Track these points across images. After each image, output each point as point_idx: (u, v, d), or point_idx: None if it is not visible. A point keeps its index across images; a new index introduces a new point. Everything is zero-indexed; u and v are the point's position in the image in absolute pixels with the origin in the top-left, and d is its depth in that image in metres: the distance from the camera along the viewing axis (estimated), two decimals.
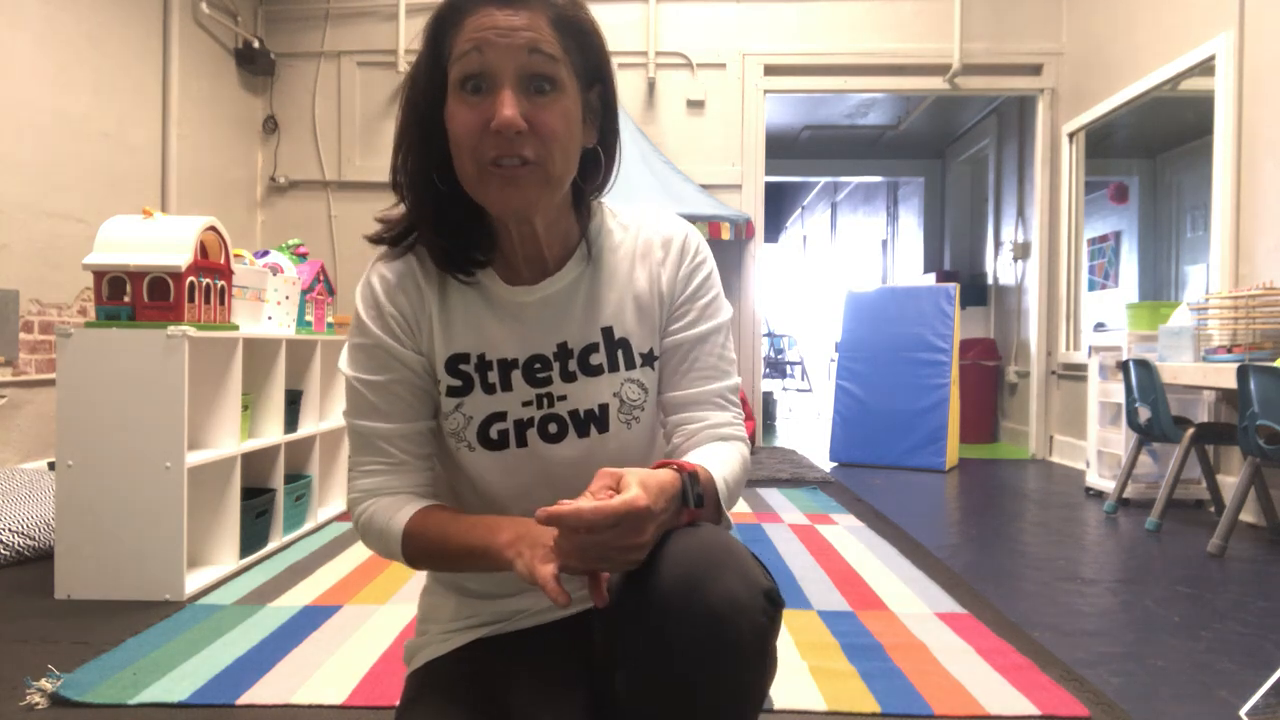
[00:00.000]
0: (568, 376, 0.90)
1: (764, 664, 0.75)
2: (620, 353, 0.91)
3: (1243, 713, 1.50)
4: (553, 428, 0.90)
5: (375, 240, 0.92)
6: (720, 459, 0.87)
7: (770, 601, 0.74)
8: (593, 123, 0.87)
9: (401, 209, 0.89)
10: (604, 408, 0.90)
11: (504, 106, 0.76)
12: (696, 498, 0.79)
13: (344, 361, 0.92)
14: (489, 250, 0.90)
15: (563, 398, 0.90)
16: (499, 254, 0.90)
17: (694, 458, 0.86)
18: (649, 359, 0.92)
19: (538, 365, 0.90)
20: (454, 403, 0.90)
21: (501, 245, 0.89)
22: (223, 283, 2.32)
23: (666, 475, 0.77)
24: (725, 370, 0.94)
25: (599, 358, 0.90)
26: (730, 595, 0.71)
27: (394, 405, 0.90)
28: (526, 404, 0.89)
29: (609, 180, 0.92)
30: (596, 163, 0.89)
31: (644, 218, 0.96)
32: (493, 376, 0.89)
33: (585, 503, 0.69)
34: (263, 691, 1.56)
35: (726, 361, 0.95)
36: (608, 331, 0.91)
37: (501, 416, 0.89)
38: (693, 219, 4.53)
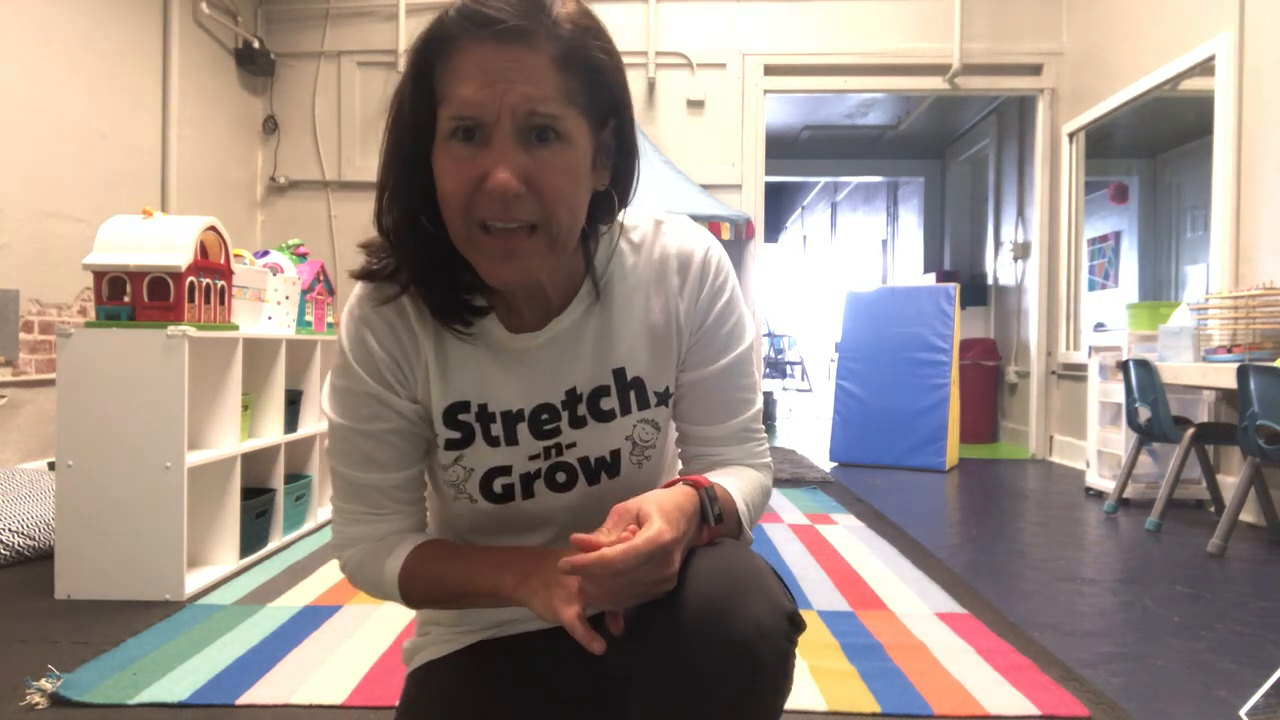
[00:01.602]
0: (577, 423, 0.83)
1: (784, 687, 0.74)
2: (633, 394, 0.84)
3: (1243, 713, 1.50)
4: (561, 476, 0.84)
5: (362, 276, 0.81)
6: (738, 481, 0.84)
7: (792, 625, 0.73)
8: (605, 164, 0.77)
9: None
10: (615, 453, 0.84)
11: (498, 169, 0.68)
12: (716, 514, 0.77)
13: (328, 405, 0.83)
14: (488, 294, 0.81)
15: (572, 445, 0.84)
16: (499, 297, 0.81)
17: (711, 478, 0.82)
18: (664, 397, 0.86)
19: (545, 416, 0.82)
20: (453, 455, 0.83)
21: (507, 304, 0.82)
22: (223, 283, 2.32)
23: (683, 495, 0.74)
24: (748, 400, 0.88)
25: (610, 402, 0.83)
26: (756, 620, 0.70)
27: (387, 454, 0.82)
28: (533, 457, 0.83)
29: (624, 207, 0.83)
30: (608, 203, 0.79)
31: (657, 231, 0.86)
32: (496, 429, 0.82)
33: (610, 549, 0.66)
34: (263, 691, 1.56)
35: (749, 390, 0.88)
36: (619, 372, 0.83)
37: (506, 470, 0.83)
38: (693, 219, 4.52)
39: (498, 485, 0.84)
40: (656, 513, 0.69)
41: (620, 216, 0.85)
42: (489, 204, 0.69)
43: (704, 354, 0.86)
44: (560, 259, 0.77)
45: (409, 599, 0.84)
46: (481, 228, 0.70)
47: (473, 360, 0.82)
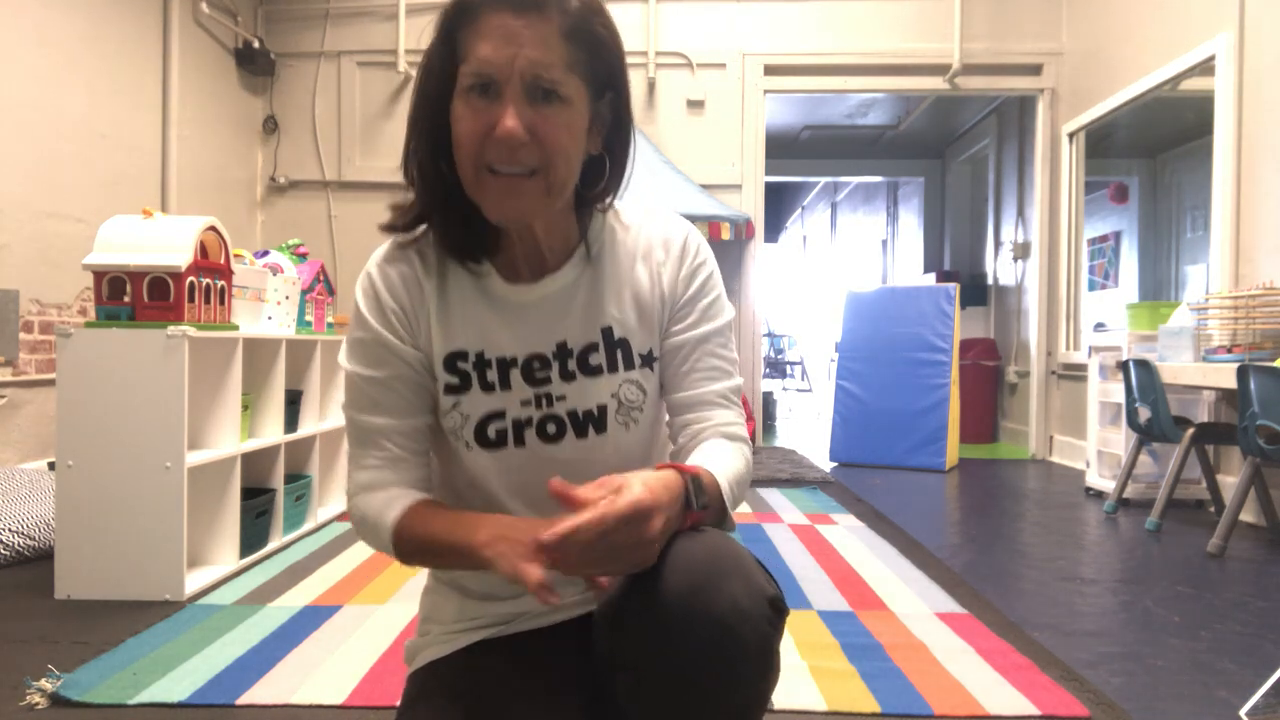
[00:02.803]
0: (567, 376, 0.89)
1: (768, 671, 0.75)
2: (620, 353, 0.91)
3: (1243, 713, 1.50)
4: (551, 428, 0.89)
5: (388, 228, 0.92)
6: (722, 460, 0.86)
7: (774, 609, 0.75)
8: (599, 131, 0.87)
9: (413, 198, 0.90)
10: (602, 409, 0.90)
11: (506, 117, 0.77)
12: (701, 503, 0.78)
13: (343, 355, 0.92)
14: (491, 246, 0.90)
15: (561, 398, 0.89)
16: (500, 251, 0.90)
17: (696, 459, 0.86)
18: (648, 360, 0.92)
19: (537, 364, 0.89)
20: (451, 400, 0.90)
21: (502, 242, 0.90)
22: (223, 283, 2.32)
23: (669, 474, 0.77)
24: (727, 370, 0.94)
25: (598, 358, 0.90)
26: (734, 602, 0.72)
27: (392, 400, 0.90)
28: (525, 403, 0.89)
29: (616, 188, 0.91)
30: (601, 169, 0.89)
31: (646, 216, 0.96)
32: (491, 375, 0.89)
33: (584, 515, 0.68)
34: (263, 691, 1.56)
35: (728, 362, 0.95)
36: (607, 332, 0.90)
37: (500, 415, 0.89)
38: (693, 219, 4.53)
39: (491, 431, 0.89)
40: (639, 481, 0.72)
41: (613, 200, 0.93)
42: (497, 149, 0.78)
43: (686, 321, 0.93)
44: (555, 211, 0.86)
45: (401, 553, 0.88)
46: (489, 171, 0.80)
47: (473, 310, 0.90)
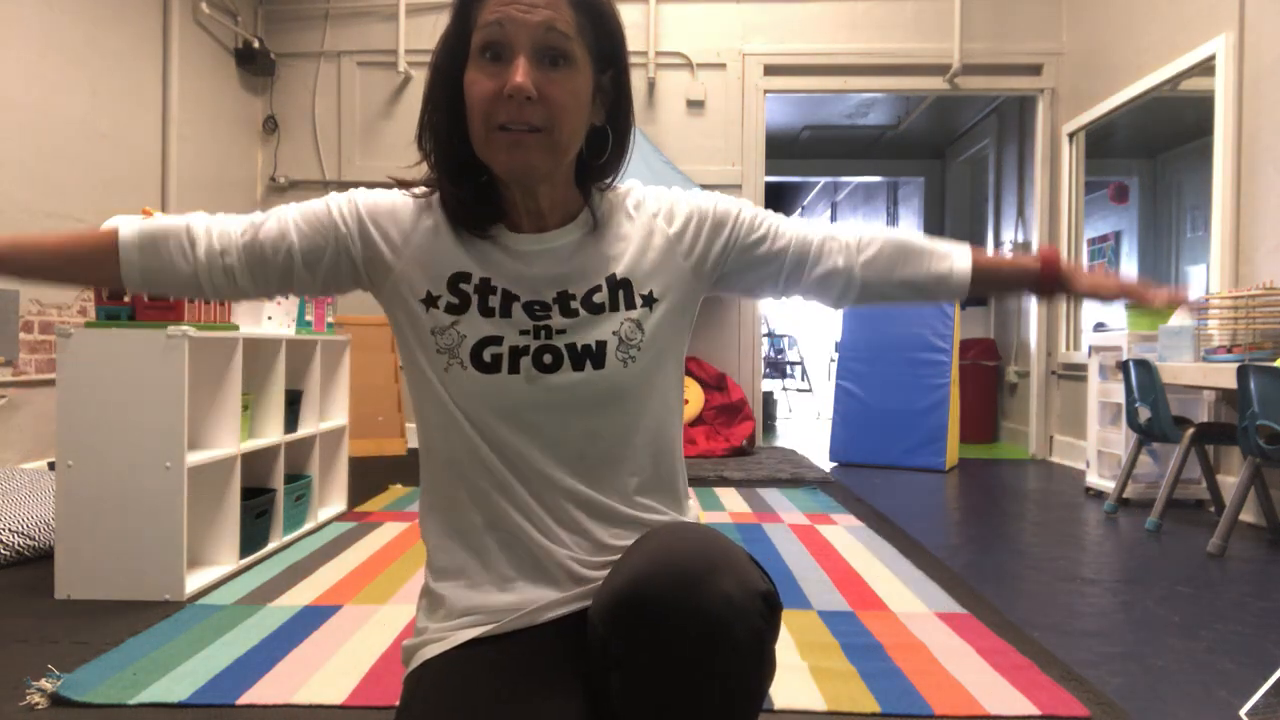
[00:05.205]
0: (569, 313, 0.92)
1: (761, 666, 0.75)
2: (621, 293, 0.93)
3: (1243, 713, 1.50)
4: (548, 358, 0.91)
5: (400, 184, 0.97)
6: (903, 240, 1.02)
7: (767, 604, 0.75)
8: (602, 103, 0.91)
9: (419, 172, 0.96)
10: (602, 344, 0.91)
11: (517, 73, 0.81)
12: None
13: (336, 194, 0.97)
14: (497, 215, 0.94)
15: (562, 331, 0.91)
16: (505, 217, 0.95)
17: (932, 258, 1.01)
18: (649, 300, 0.94)
19: (538, 307, 0.92)
20: (450, 319, 0.91)
21: (508, 212, 0.94)
22: None
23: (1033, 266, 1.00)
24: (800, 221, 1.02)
25: (601, 297, 0.93)
26: (725, 596, 0.72)
27: (288, 227, 0.94)
28: (524, 333, 0.91)
29: (619, 160, 0.95)
30: (604, 142, 0.93)
31: (633, 184, 1.02)
32: (494, 301, 0.91)
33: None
34: (263, 691, 1.56)
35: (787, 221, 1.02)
36: (610, 276, 0.94)
37: (497, 341, 0.91)
38: None
39: (487, 354, 0.91)
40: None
41: (615, 178, 0.98)
42: (507, 108, 0.82)
43: (749, 230, 0.99)
44: (558, 178, 0.90)
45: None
46: (499, 129, 0.84)
47: (480, 247, 0.94)
